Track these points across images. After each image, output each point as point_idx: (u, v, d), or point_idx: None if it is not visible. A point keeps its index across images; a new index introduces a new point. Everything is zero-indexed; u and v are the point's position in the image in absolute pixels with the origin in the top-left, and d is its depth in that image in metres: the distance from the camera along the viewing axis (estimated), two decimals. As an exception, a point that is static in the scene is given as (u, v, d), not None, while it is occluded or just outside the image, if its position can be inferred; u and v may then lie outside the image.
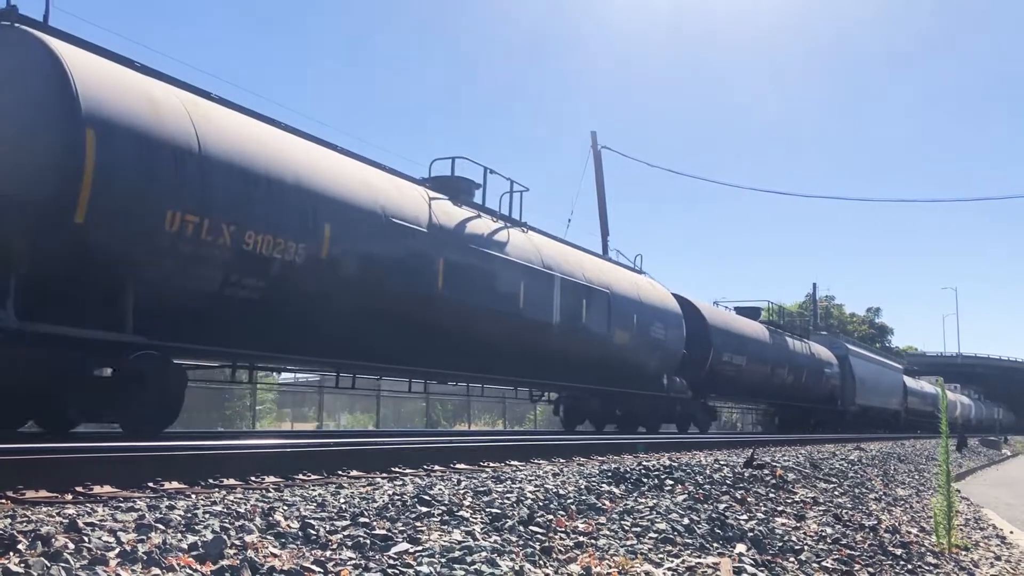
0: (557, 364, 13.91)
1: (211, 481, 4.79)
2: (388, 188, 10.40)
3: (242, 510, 3.18)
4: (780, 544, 4.12)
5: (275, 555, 2.62)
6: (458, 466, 6.68)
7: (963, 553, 5.59)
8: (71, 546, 2.40)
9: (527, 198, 14.14)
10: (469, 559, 2.83)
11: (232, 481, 4.88)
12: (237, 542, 2.66)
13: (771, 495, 5.56)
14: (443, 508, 3.52)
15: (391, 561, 2.70)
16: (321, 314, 9.12)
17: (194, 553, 2.50)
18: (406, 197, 10.64)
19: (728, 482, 5.54)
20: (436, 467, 6.44)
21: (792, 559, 3.90)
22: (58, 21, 7.40)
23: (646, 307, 16.74)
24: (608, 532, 3.68)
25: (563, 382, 15.01)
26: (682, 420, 19.30)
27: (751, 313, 25.55)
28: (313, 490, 4.15)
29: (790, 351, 26.09)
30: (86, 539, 2.50)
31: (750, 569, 3.45)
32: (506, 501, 3.83)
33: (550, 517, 3.71)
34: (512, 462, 7.24)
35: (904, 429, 37.34)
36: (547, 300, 13.30)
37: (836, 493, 6.66)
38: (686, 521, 4.05)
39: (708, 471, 5.82)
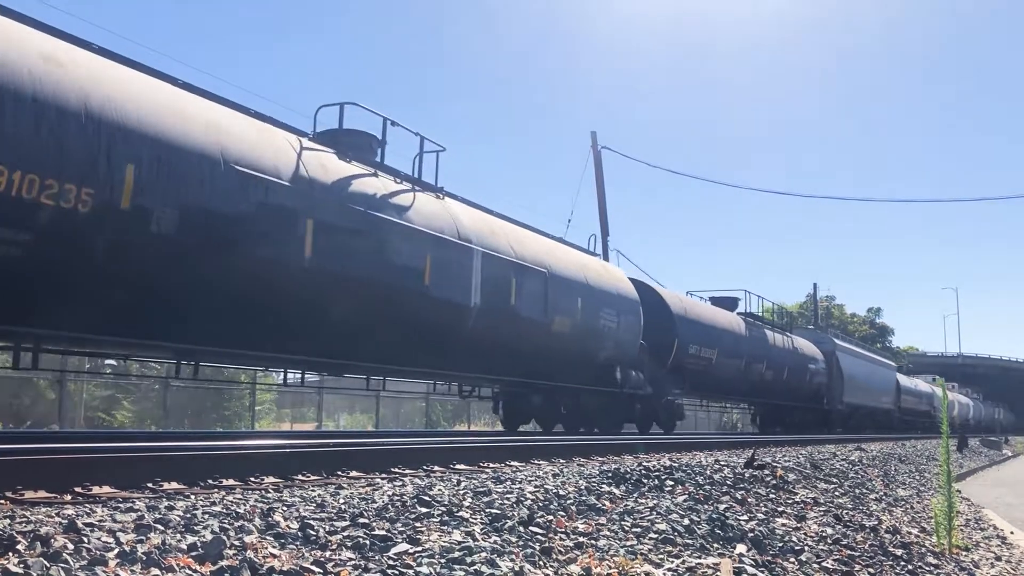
0: (480, 354, 12.04)
1: (210, 481, 4.78)
2: (240, 131, 8.43)
3: (241, 510, 3.17)
4: (780, 544, 4.11)
5: (274, 555, 2.61)
6: (458, 467, 6.68)
7: (964, 554, 5.59)
8: (70, 546, 2.40)
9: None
10: (469, 560, 2.83)
11: (231, 481, 4.88)
12: (236, 542, 2.66)
13: (771, 495, 5.56)
14: (443, 509, 3.52)
15: (391, 562, 2.69)
16: (131, 282, 7.36)
17: (193, 553, 2.50)
18: (266, 144, 8.66)
19: (728, 482, 5.54)
20: (436, 468, 6.43)
21: (792, 559, 3.89)
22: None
23: (595, 291, 14.77)
24: (608, 533, 3.67)
25: (489, 375, 13.10)
26: (643, 419, 17.57)
27: (727, 303, 23.87)
28: (312, 490, 4.14)
29: (770, 345, 24.35)
30: (85, 540, 2.49)
31: (750, 569, 3.45)
32: (506, 502, 3.82)
33: (550, 518, 3.70)
34: (512, 463, 7.24)
35: (897, 429, 35.95)
36: (464, 277, 11.26)
37: (837, 493, 6.66)
38: (686, 522, 4.04)
39: (708, 471, 5.82)
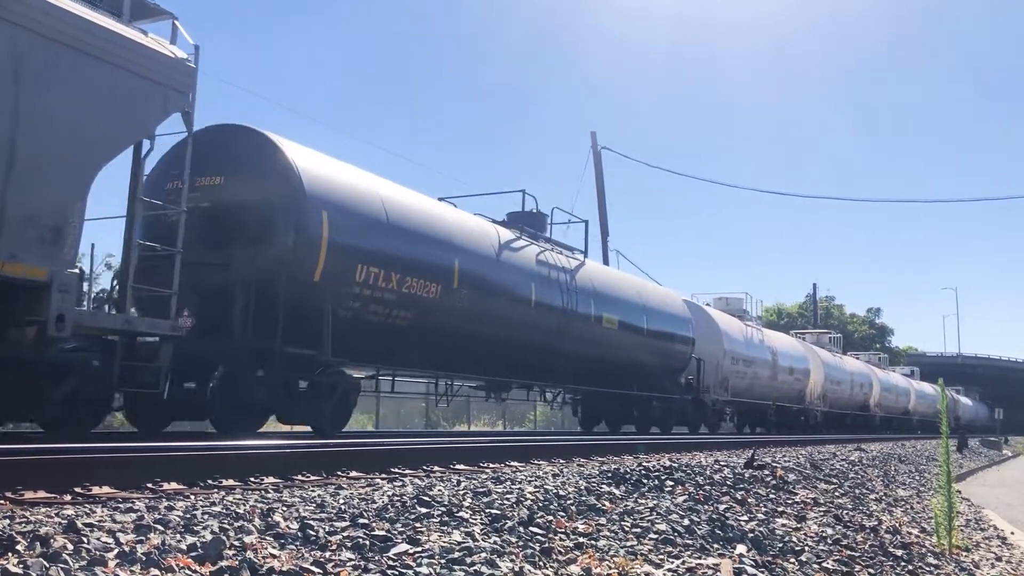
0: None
1: (210, 482, 4.78)
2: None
3: (241, 511, 3.17)
4: (781, 545, 4.11)
5: (274, 556, 2.61)
6: (457, 467, 6.67)
7: (964, 554, 5.59)
8: (70, 547, 2.40)
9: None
10: (469, 560, 2.83)
11: (231, 482, 4.87)
12: (236, 543, 2.66)
13: (771, 496, 5.56)
14: (443, 509, 3.52)
15: (390, 562, 2.69)
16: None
17: (193, 554, 2.50)
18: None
19: (728, 483, 5.54)
20: (435, 468, 6.43)
21: (792, 560, 3.89)
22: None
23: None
24: (608, 533, 3.67)
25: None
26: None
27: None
28: (312, 491, 4.14)
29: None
30: (85, 540, 2.49)
31: (750, 570, 3.45)
32: (506, 502, 3.82)
33: (550, 518, 3.70)
34: (512, 463, 7.23)
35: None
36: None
37: (837, 494, 6.66)
38: (686, 522, 4.04)
39: (708, 472, 5.82)
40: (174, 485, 4.58)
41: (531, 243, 14.00)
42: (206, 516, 3.01)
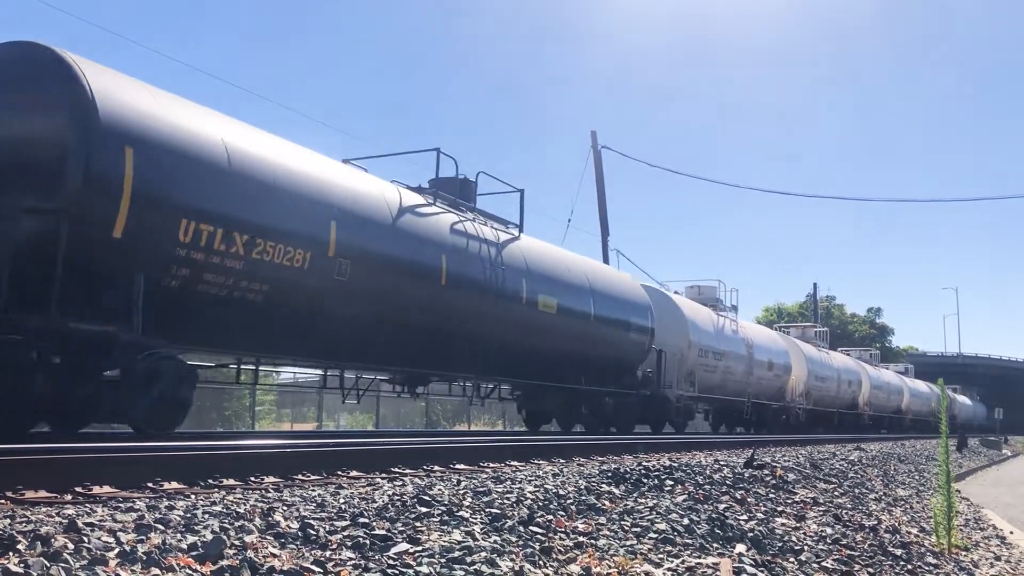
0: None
1: (210, 481, 4.78)
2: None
3: (242, 510, 3.18)
4: (780, 544, 4.12)
5: (275, 555, 2.62)
6: (458, 466, 6.68)
7: (963, 553, 5.60)
8: (70, 546, 2.40)
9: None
10: (469, 559, 2.83)
11: (231, 481, 4.88)
12: (237, 542, 2.66)
13: (771, 495, 5.57)
14: (443, 508, 3.52)
15: (391, 561, 2.70)
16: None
17: (194, 553, 2.50)
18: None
19: (728, 482, 5.54)
20: (436, 467, 6.43)
21: (792, 559, 3.90)
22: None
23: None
24: (608, 532, 3.68)
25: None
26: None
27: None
28: (313, 490, 4.14)
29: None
30: (85, 539, 2.50)
31: (750, 569, 3.45)
32: (506, 501, 3.83)
33: (550, 517, 3.71)
34: (512, 462, 7.24)
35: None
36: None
37: (836, 493, 6.67)
38: (686, 521, 4.05)
39: (708, 471, 5.83)
40: (174, 484, 4.58)
41: (446, 210, 11.75)
42: (207, 515, 3.02)
